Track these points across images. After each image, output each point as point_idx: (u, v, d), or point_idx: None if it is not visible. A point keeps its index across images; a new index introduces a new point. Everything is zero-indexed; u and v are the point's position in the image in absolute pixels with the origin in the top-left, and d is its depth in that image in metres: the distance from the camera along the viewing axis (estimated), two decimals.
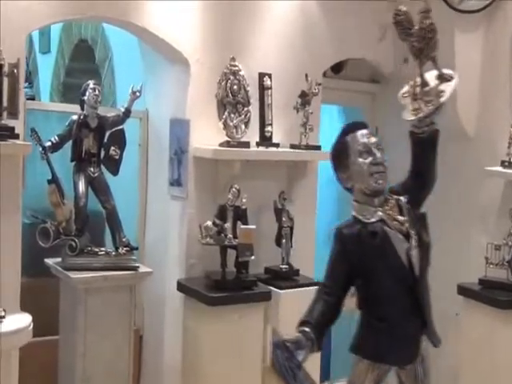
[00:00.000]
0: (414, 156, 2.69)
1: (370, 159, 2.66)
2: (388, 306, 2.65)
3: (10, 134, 3.07)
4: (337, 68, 4.69)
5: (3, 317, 3.01)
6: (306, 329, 2.63)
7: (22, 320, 3.14)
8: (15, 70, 3.08)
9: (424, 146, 2.65)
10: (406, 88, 2.76)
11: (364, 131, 2.74)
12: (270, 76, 3.99)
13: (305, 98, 4.06)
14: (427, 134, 2.63)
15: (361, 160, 2.68)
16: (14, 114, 3.09)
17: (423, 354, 2.74)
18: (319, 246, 4.46)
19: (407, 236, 2.62)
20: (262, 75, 3.98)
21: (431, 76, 2.71)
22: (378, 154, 2.68)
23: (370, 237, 2.64)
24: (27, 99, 7.08)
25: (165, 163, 4.00)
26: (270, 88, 3.97)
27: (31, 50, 6.93)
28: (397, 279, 2.62)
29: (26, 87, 7.53)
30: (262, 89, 3.97)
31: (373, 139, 2.72)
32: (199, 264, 3.87)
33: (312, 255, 4.41)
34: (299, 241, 4.08)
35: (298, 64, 4.18)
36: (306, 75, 4.08)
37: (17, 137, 3.10)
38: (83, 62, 5.87)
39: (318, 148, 4.17)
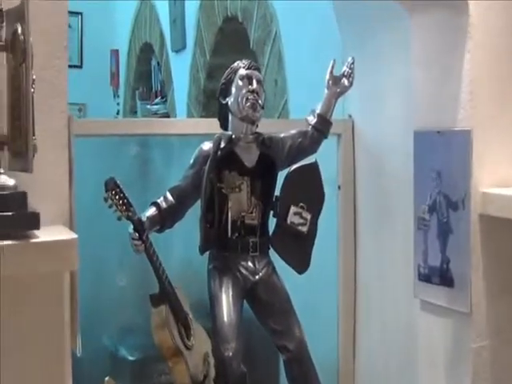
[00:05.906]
0: None
1: None
2: None
3: (13, 215, 1.05)
4: None
5: None
6: None
7: None
8: (19, 30, 1.06)
9: None
10: None
11: None
12: None
13: None
14: None
15: None
16: (21, 157, 1.07)
17: None
18: None
19: None
20: None
21: None
22: None
23: None
24: (159, 116, 4.95)
25: (401, 228, 1.84)
26: None
27: (162, 51, 4.97)
28: None
29: (157, 103, 5.65)
30: None
31: None
32: None
33: None
34: None
35: None
36: None
37: (34, 224, 1.06)
38: (231, 50, 3.74)
39: None
